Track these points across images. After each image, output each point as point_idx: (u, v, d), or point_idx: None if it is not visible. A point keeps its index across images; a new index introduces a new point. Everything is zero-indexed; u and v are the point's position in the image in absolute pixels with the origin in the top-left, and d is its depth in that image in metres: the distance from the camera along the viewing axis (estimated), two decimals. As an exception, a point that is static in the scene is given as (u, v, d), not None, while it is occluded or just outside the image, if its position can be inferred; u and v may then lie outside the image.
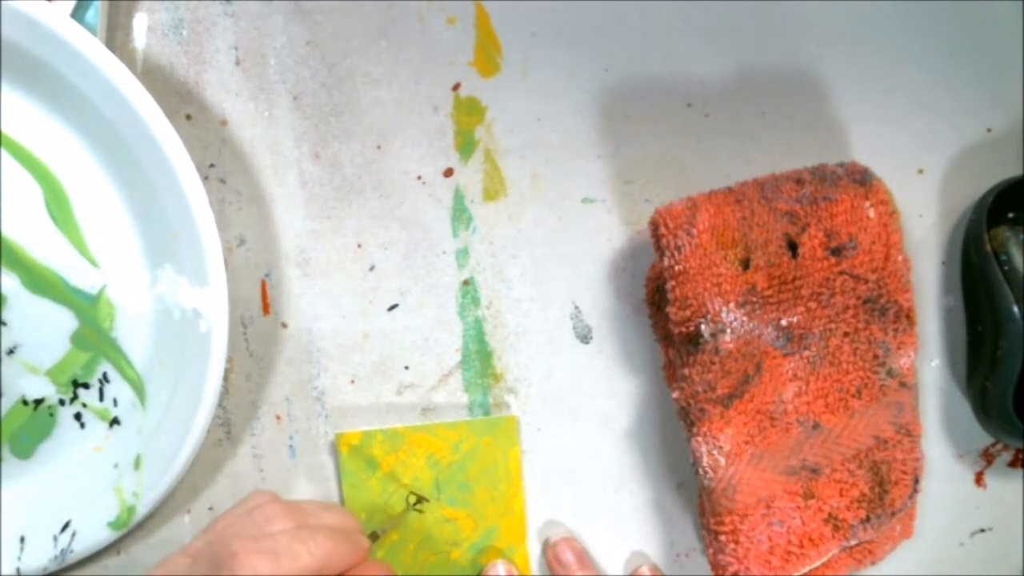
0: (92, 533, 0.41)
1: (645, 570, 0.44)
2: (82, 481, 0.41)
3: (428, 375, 0.43)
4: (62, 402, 0.41)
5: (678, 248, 0.37)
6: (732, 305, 0.37)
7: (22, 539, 0.41)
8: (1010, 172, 0.42)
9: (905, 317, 0.38)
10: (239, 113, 0.41)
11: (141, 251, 0.39)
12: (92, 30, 0.38)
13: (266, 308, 0.42)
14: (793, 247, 0.37)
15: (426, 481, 0.43)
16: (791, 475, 0.39)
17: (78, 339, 0.40)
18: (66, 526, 0.41)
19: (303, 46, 0.41)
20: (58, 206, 0.39)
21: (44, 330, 0.40)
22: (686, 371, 0.38)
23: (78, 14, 0.38)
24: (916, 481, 0.40)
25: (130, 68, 0.37)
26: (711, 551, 0.40)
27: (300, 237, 0.42)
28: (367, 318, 0.42)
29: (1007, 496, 0.45)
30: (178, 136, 0.36)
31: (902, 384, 0.39)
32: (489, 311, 0.43)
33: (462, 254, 0.42)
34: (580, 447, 0.43)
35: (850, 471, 0.39)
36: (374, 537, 0.41)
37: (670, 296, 0.38)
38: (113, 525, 0.41)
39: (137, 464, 0.40)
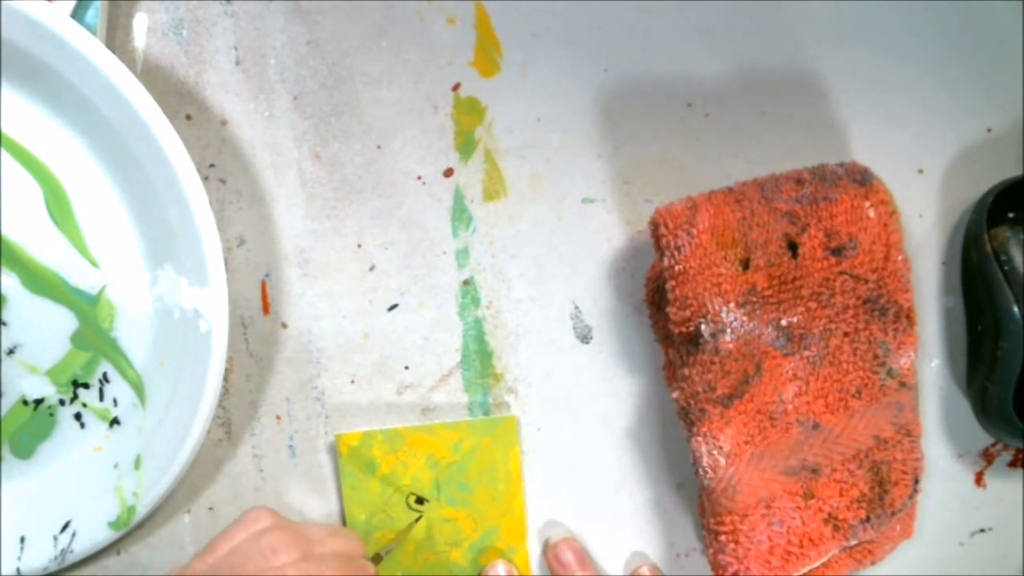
0: (92, 533, 0.41)
1: (645, 570, 0.44)
2: (82, 481, 0.41)
3: (428, 375, 0.43)
4: (62, 402, 0.41)
5: (678, 248, 0.37)
6: (732, 305, 0.37)
7: (22, 539, 0.41)
8: (1010, 172, 0.42)
9: (905, 317, 0.38)
10: (239, 113, 0.41)
11: (141, 251, 0.39)
12: (92, 30, 0.38)
13: (266, 308, 0.42)
14: (793, 247, 0.37)
15: (426, 481, 0.43)
16: (791, 475, 0.39)
17: (78, 339, 0.40)
18: (66, 526, 0.41)
19: (303, 46, 0.41)
20: (58, 206, 0.39)
21: (44, 330, 0.40)
22: (686, 371, 0.38)
23: (78, 14, 0.38)
24: (916, 481, 0.40)
25: (130, 68, 0.37)
26: (711, 551, 0.40)
27: (300, 237, 0.42)
28: (367, 318, 0.42)
29: (1007, 496, 0.45)
30: (178, 136, 0.36)
31: (902, 384, 0.39)
32: (489, 311, 0.43)
33: (462, 254, 0.42)
34: (580, 447, 0.43)
35: (850, 471, 0.39)
36: (377, 559, 0.41)
37: (670, 296, 0.38)
38: (113, 525, 0.41)
39: (137, 464, 0.40)
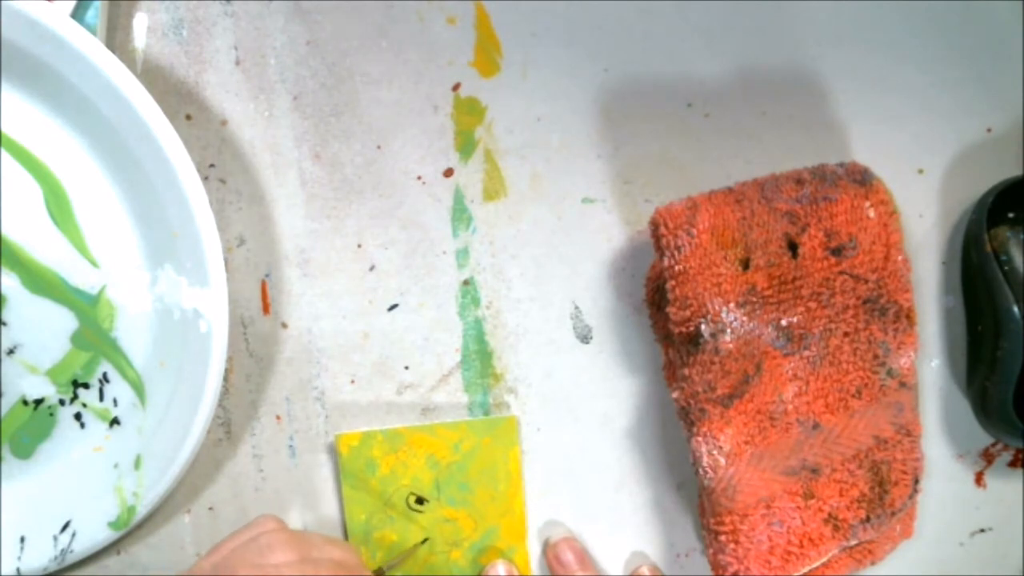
0: (92, 533, 0.41)
1: (645, 570, 0.44)
2: (82, 481, 0.41)
3: (428, 375, 0.43)
4: (62, 402, 0.41)
5: (678, 248, 0.37)
6: (732, 305, 0.37)
7: (22, 539, 0.41)
8: (1010, 172, 0.42)
9: (905, 317, 0.39)
10: (239, 113, 0.41)
11: (141, 251, 0.39)
12: (92, 30, 0.38)
13: (266, 308, 0.42)
14: (793, 247, 0.37)
15: (426, 481, 0.43)
16: (791, 475, 0.39)
17: (78, 339, 0.40)
18: (66, 526, 0.41)
19: (303, 46, 0.41)
20: (58, 206, 0.39)
21: (44, 330, 0.40)
22: (686, 371, 0.38)
23: (78, 14, 0.38)
24: (916, 481, 0.40)
25: (130, 68, 0.37)
26: (711, 551, 0.40)
27: (300, 237, 0.42)
28: (367, 318, 0.42)
29: (1007, 496, 0.45)
30: (178, 136, 0.36)
31: (902, 384, 0.39)
32: (489, 311, 0.43)
33: (462, 254, 0.42)
34: (580, 447, 0.43)
35: (850, 471, 0.39)
36: (379, 574, 0.41)
37: (670, 296, 0.38)
38: (113, 525, 0.41)
39: (137, 464, 0.40)
